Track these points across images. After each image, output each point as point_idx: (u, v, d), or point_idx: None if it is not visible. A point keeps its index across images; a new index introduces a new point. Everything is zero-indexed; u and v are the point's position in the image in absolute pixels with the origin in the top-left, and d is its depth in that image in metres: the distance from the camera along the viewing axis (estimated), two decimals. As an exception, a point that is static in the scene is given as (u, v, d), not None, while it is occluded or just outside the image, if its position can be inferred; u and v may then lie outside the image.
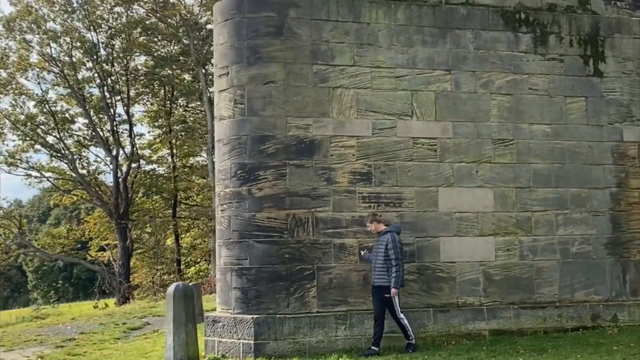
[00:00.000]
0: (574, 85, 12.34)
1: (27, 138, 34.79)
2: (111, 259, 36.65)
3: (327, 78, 11.28)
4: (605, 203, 12.28)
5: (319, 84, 11.23)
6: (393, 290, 10.42)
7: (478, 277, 11.58)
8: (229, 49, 11.34)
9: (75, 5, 33.70)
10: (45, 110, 34.87)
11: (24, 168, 35.78)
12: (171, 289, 10.24)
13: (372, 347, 10.52)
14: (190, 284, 11.04)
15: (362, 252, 11.00)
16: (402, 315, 10.58)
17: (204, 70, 32.38)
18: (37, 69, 34.25)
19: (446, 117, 11.70)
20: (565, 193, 12.10)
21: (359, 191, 11.22)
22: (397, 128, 11.47)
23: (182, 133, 36.52)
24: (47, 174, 36.54)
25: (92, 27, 33.65)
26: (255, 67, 11.14)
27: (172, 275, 34.72)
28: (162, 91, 36.55)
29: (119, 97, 35.11)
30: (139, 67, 35.69)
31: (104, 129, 35.60)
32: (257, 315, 10.65)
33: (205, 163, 34.93)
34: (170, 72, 35.10)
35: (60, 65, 33.84)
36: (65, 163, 35.61)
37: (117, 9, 34.26)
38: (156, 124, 37.57)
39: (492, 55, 12.03)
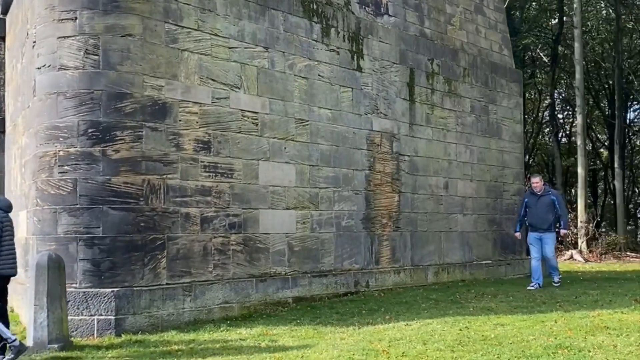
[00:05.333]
0: (345, 77, 13.74)
1: None
2: None
3: (177, 39, 10.72)
4: (362, 183, 13.97)
5: (170, 44, 10.61)
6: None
7: (284, 248, 12.22)
8: (78, -9, 9.98)
9: None
10: None
11: None
12: (43, 258, 8.68)
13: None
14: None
15: None
16: None
17: None
18: None
19: (265, 93, 12.05)
20: (339, 172, 13.44)
21: (201, 160, 10.93)
22: (230, 99, 11.44)
23: None
24: None
25: None
26: (112, 16, 10.03)
27: None
28: None
29: None
30: None
31: None
32: (118, 289, 9.68)
33: None
34: None
35: None
36: None
37: None
38: None
39: (295, 39, 12.74)
